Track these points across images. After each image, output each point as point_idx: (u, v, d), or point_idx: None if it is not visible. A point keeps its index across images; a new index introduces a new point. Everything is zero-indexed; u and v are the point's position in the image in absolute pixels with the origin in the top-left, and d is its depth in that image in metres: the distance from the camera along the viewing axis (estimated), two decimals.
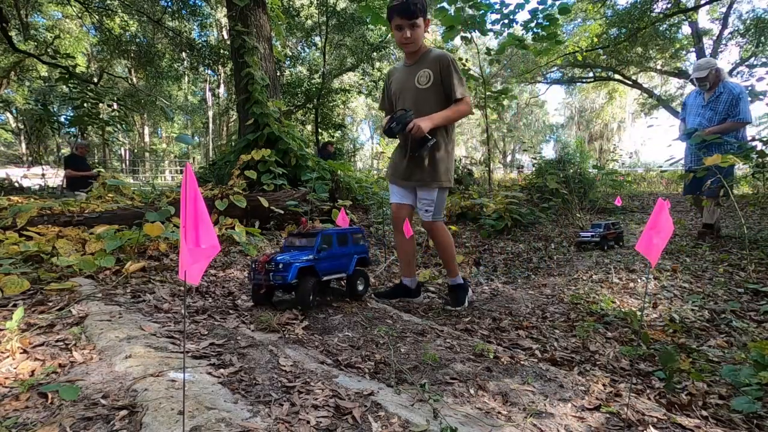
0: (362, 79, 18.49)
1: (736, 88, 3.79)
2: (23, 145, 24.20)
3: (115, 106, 9.24)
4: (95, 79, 14.69)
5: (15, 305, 1.74)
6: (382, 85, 2.69)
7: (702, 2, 15.24)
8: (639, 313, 2.33)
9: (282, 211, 3.95)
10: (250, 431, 1.00)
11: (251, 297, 2.14)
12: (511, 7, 6.44)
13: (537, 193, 6.50)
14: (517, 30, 6.91)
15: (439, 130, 2.42)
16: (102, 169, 7.48)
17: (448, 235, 2.61)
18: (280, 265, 1.98)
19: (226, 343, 1.56)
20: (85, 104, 7.19)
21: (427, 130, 2.28)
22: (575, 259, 3.92)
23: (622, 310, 2.47)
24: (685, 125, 4.12)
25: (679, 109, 4.49)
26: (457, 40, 7.46)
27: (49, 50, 12.67)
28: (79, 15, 15.66)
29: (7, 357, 1.32)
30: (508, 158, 38.49)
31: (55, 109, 13.30)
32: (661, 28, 16.48)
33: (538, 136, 41.37)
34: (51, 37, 16.32)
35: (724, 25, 16.90)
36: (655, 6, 15.48)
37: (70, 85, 7.69)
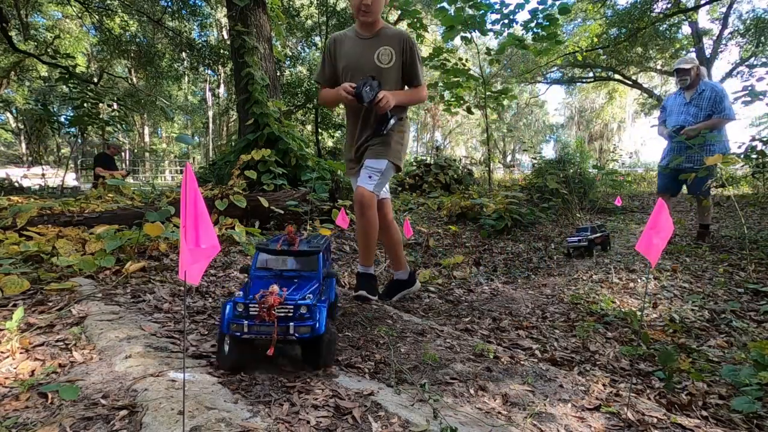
0: None
1: (717, 86, 3.87)
2: (23, 145, 24.22)
3: (115, 106, 9.25)
4: (95, 79, 14.70)
5: (15, 305, 1.74)
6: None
7: (702, 2, 15.25)
8: (639, 313, 2.33)
9: (282, 211, 3.95)
10: (250, 431, 1.00)
11: (225, 358, 1.32)
12: (511, 7, 6.45)
13: (537, 193, 6.50)
14: (517, 30, 6.92)
15: (399, 113, 2.25)
16: (125, 171, 7.63)
17: (376, 220, 2.27)
18: (303, 309, 1.31)
19: None
20: (85, 104, 7.19)
21: (392, 106, 2.12)
22: (575, 259, 3.92)
23: (622, 310, 2.47)
24: (665, 126, 4.14)
25: None
26: (457, 40, 7.47)
27: (49, 50, 12.69)
28: (79, 15, 15.65)
29: (7, 357, 1.32)
30: (508, 158, 38.48)
31: (55, 109, 13.31)
32: (661, 28, 16.49)
33: (538, 136, 41.38)
34: (51, 37, 16.34)
35: (724, 25, 16.91)
36: (655, 6, 15.49)
37: (70, 85, 7.70)
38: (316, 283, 1.48)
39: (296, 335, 1.30)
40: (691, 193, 4.01)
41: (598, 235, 4.06)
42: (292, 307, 1.31)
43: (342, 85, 2.12)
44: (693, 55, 17.44)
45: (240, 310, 1.31)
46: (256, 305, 1.29)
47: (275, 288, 1.34)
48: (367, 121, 2.27)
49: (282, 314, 1.30)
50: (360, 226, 2.24)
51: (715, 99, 3.78)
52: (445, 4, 6.18)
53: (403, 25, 8.89)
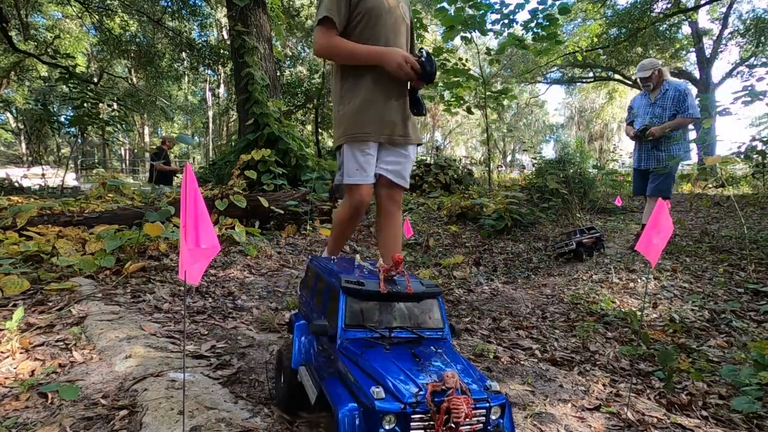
0: None
1: (681, 85, 3.92)
2: (23, 145, 24.21)
3: (115, 106, 9.25)
4: (95, 79, 14.70)
5: (15, 305, 1.74)
6: None
7: (702, 2, 15.25)
8: (639, 313, 2.33)
9: (282, 211, 3.96)
10: (250, 431, 1.00)
11: None
12: (511, 7, 6.45)
13: (537, 193, 6.50)
14: (517, 30, 6.91)
15: None
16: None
17: None
18: (496, 412, 0.76)
19: (226, 343, 1.56)
20: (85, 104, 7.20)
21: None
22: (574, 260, 3.92)
23: (622, 310, 2.47)
24: (633, 126, 4.18)
25: None
26: (457, 40, 7.46)
27: (49, 50, 12.69)
28: (79, 15, 15.66)
29: (7, 357, 1.32)
30: (508, 158, 38.48)
31: (55, 109, 13.32)
32: (661, 28, 16.50)
33: (538, 136, 41.36)
34: (51, 37, 16.35)
35: (724, 25, 16.91)
36: (655, 6, 15.50)
37: (70, 85, 7.70)
38: (448, 348, 0.86)
39: None
40: (650, 192, 3.97)
41: (587, 237, 3.88)
42: (483, 410, 0.72)
43: (403, 54, 1.64)
44: (695, 58, 17.44)
45: (390, 427, 0.69)
46: (426, 414, 0.69)
47: (454, 377, 0.71)
48: (402, 91, 1.79)
49: (467, 428, 0.71)
50: (393, 226, 1.87)
51: (678, 98, 3.83)
52: (445, 4, 6.18)
53: None
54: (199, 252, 0.86)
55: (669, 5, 15.61)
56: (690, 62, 19.08)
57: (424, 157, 14.06)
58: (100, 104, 7.52)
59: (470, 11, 6.25)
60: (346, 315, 0.87)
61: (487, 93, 7.58)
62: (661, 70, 4.00)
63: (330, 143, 17.82)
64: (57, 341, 1.45)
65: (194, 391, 1.14)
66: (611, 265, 3.50)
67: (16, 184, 8.73)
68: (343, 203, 1.88)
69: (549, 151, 41.26)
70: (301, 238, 3.90)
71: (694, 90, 4.21)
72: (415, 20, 6.61)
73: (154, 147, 7.91)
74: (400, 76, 1.67)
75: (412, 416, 0.68)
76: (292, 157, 5.16)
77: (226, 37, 18.10)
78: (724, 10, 17.09)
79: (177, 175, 6.80)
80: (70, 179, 12.41)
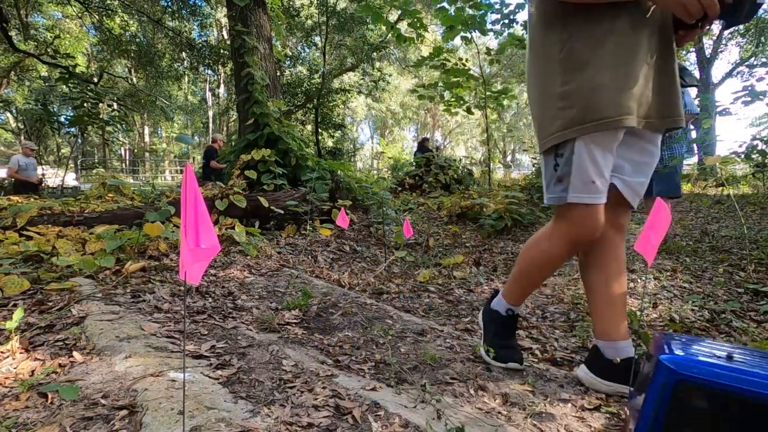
0: (362, 79, 18.55)
1: None
2: None
3: (115, 106, 9.27)
4: (95, 79, 14.72)
5: (15, 305, 1.74)
6: None
7: None
8: (639, 313, 2.33)
9: (282, 211, 3.96)
10: (250, 431, 1.00)
11: None
12: (511, 7, 6.45)
13: (537, 193, 6.50)
14: (517, 30, 6.91)
15: None
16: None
17: None
18: None
19: (226, 343, 1.56)
20: (85, 104, 7.21)
21: None
22: (574, 259, 3.92)
23: None
24: None
25: None
26: (457, 40, 7.46)
27: (49, 50, 12.69)
28: (79, 15, 15.69)
29: (7, 357, 1.32)
30: (508, 158, 38.48)
31: (55, 109, 13.34)
32: None
33: None
34: (51, 37, 16.34)
35: None
36: None
37: (70, 85, 7.71)
38: None
39: None
40: (658, 193, 3.94)
41: None
42: None
43: None
44: (695, 58, 17.44)
45: None
46: None
47: None
48: (668, 51, 1.15)
49: None
50: (618, 262, 1.30)
51: None
52: (445, 4, 6.18)
53: (403, 26, 8.88)
54: (199, 252, 0.86)
55: None
56: (690, 62, 19.08)
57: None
58: (100, 104, 7.54)
59: (470, 11, 6.25)
60: None
61: (487, 93, 7.58)
62: None
63: (330, 143, 17.81)
64: (57, 341, 1.45)
65: (194, 391, 1.14)
66: None
67: None
68: (556, 233, 1.30)
69: None
70: (301, 238, 3.90)
71: (692, 90, 4.19)
72: (415, 20, 6.63)
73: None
74: (691, 13, 1.00)
75: None
76: (292, 157, 5.16)
77: (226, 37, 18.12)
78: None
79: (224, 171, 6.96)
80: (70, 179, 12.42)
